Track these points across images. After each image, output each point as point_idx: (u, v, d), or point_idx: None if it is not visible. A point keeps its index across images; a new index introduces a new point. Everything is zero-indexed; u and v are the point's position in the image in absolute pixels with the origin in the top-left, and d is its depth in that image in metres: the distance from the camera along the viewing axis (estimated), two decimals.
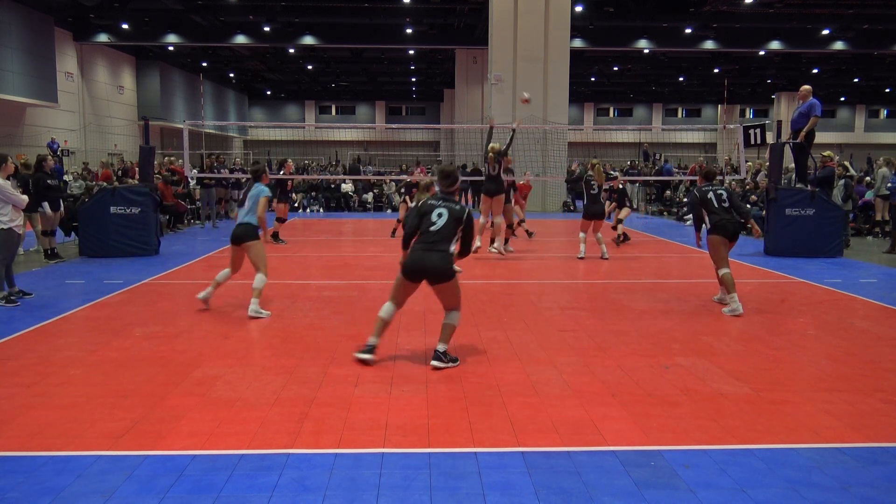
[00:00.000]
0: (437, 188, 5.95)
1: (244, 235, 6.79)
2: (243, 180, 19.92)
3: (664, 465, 3.53)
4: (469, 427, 4.00)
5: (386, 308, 5.33)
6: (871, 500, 3.20)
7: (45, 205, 10.49)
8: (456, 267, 5.46)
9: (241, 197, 6.88)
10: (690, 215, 7.02)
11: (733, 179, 16.98)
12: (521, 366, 5.20)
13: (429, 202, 5.37)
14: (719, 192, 7.28)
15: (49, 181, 10.64)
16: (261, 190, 6.87)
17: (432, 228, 5.20)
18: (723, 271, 7.12)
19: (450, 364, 5.19)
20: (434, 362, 5.17)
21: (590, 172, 11.23)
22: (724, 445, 3.77)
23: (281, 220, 13.30)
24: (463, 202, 7.98)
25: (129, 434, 3.87)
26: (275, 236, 12.86)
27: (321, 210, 21.48)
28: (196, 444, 3.73)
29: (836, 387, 4.77)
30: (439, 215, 5.23)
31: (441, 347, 5.23)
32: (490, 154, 10.91)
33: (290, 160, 15.44)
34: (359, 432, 3.92)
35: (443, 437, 3.85)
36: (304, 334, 6.12)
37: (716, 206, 7.19)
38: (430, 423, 4.06)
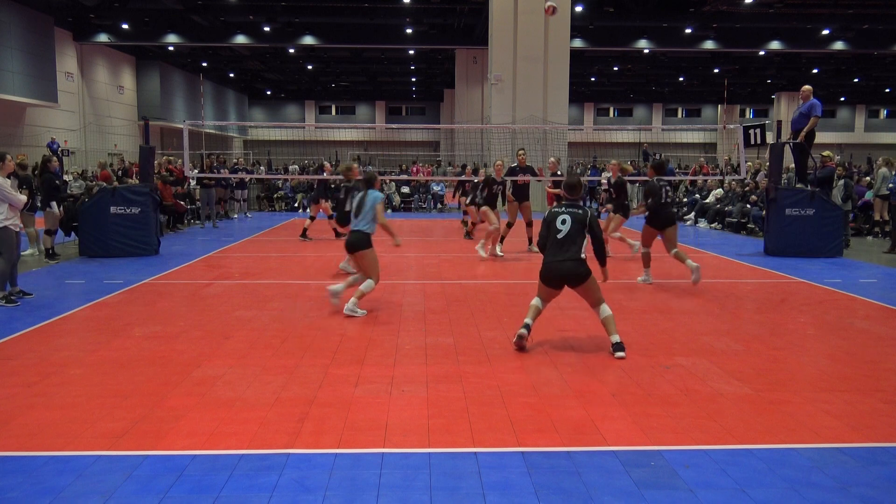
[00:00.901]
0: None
1: (358, 243, 6.87)
2: (248, 179, 20.10)
3: (664, 465, 3.53)
4: (469, 427, 4.00)
5: (536, 300, 5.72)
6: (871, 500, 3.20)
7: (54, 204, 10.67)
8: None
9: (352, 205, 7.00)
10: (648, 200, 8.65)
11: (733, 179, 16.98)
12: (521, 366, 5.20)
13: (553, 210, 5.69)
14: (667, 187, 8.62)
15: (56, 181, 10.81)
16: (376, 195, 6.90)
17: (559, 236, 5.53)
18: (644, 250, 8.74)
19: (624, 352, 5.44)
20: (618, 353, 5.41)
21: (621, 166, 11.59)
22: (724, 445, 3.77)
23: (330, 217, 13.94)
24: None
25: (129, 434, 3.87)
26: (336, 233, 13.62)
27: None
28: (196, 444, 3.73)
29: (836, 387, 4.77)
30: (563, 222, 5.54)
31: (616, 339, 5.50)
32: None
33: (326, 162, 15.78)
34: (359, 432, 3.91)
35: (443, 437, 3.85)
36: (304, 334, 6.12)
37: (662, 199, 8.42)
38: (430, 423, 4.06)
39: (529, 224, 11.90)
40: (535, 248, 11.26)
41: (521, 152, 12.15)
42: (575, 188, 5.78)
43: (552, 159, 13.68)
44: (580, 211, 5.56)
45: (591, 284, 5.54)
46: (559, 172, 13.71)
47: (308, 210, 14.13)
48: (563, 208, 5.62)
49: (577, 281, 5.51)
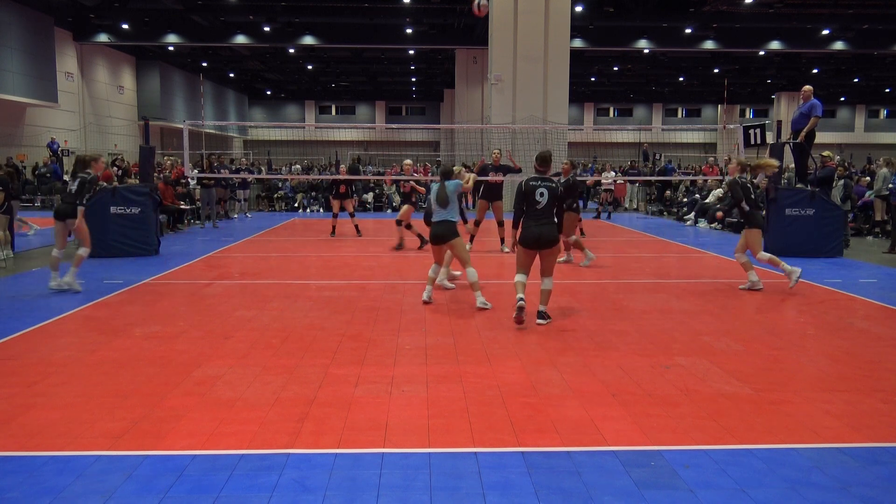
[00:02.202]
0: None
1: (449, 233, 7.30)
2: (250, 179, 20.14)
3: (664, 465, 3.53)
4: (469, 427, 4.00)
5: (519, 277, 6.49)
6: (871, 500, 3.20)
7: None
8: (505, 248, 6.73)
9: (431, 199, 7.51)
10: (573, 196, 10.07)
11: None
12: (521, 366, 5.20)
13: (529, 183, 6.40)
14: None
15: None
16: (456, 182, 7.50)
17: (538, 207, 6.34)
18: (573, 238, 9.97)
19: (548, 320, 6.46)
20: (539, 321, 6.44)
21: (743, 175, 8.40)
22: (724, 445, 3.77)
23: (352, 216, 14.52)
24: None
25: (129, 434, 3.87)
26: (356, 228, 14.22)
27: (321, 210, 21.49)
28: (196, 444, 3.73)
29: (836, 387, 4.77)
30: (541, 194, 6.34)
31: (543, 308, 6.51)
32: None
33: (343, 166, 15.99)
34: (359, 432, 3.91)
35: (443, 437, 3.85)
36: (304, 334, 6.12)
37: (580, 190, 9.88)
38: (430, 423, 4.06)
39: (500, 224, 11.86)
40: (507, 249, 11.31)
41: (496, 151, 12.25)
42: (546, 161, 6.57)
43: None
44: (553, 184, 6.39)
45: (555, 253, 6.50)
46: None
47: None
48: (539, 182, 6.39)
49: (550, 244, 6.35)
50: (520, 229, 6.51)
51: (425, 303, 7.43)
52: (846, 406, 4.38)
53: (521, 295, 6.36)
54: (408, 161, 13.31)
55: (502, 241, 11.82)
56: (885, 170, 13.85)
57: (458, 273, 10.09)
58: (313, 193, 22.09)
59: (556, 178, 6.72)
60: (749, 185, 8.28)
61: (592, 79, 41.05)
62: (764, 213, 12.20)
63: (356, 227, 14.23)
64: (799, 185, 11.80)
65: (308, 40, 27.98)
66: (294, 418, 4.11)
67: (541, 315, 6.49)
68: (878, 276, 9.53)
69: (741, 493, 3.24)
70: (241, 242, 13.10)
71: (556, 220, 6.38)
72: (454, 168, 10.70)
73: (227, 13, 26.83)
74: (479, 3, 14.14)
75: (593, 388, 4.71)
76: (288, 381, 4.79)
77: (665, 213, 21.00)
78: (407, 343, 5.84)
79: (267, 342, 5.85)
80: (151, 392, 4.56)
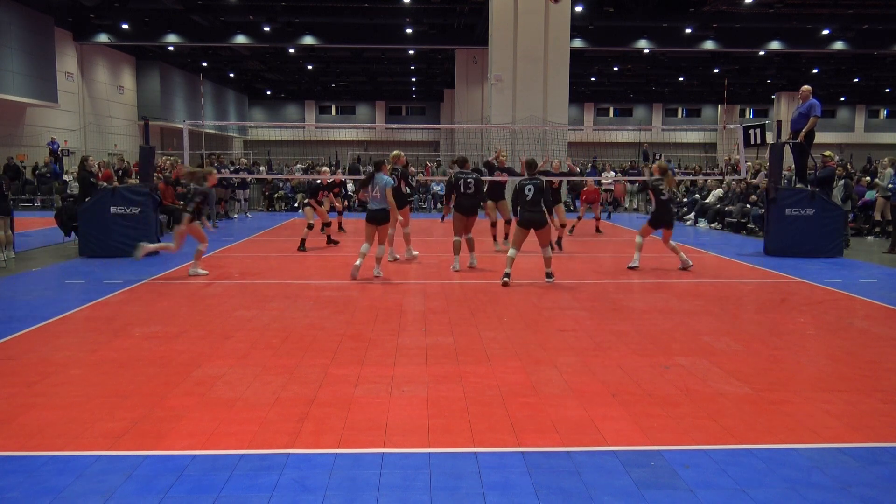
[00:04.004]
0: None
1: (385, 218, 8.75)
2: (249, 179, 20.14)
3: (664, 465, 3.53)
4: (469, 427, 4.00)
5: (511, 251, 8.52)
6: (871, 500, 3.20)
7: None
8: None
9: (371, 189, 8.71)
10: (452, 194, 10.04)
11: (733, 179, 16.98)
12: (521, 366, 5.20)
13: (520, 182, 8.53)
14: (467, 180, 9.75)
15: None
16: (387, 180, 8.76)
17: (527, 199, 8.35)
18: (455, 238, 9.97)
19: (553, 279, 8.59)
20: (547, 280, 8.57)
21: (657, 177, 9.88)
22: (724, 445, 3.77)
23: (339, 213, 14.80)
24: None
25: (129, 434, 3.87)
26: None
27: None
28: (196, 444, 3.73)
29: (836, 387, 4.77)
30: (529, 190, 8.36)
31: (548, 270, 8.63)
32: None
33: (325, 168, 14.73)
34: (359, 432, 3.91)
35: (443, 437, 3.85)
36: (304, 334, 6.12)
37: (461, 189, 9.76)
38: (430, 423, 4.06)
39: (508, 222, 11.81)
40: (500, 247, 11.41)
41: (502, 152, 12.67)
42: (532, 166, 8.71)
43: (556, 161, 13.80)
44: (538, 181, 8.41)
45: (547, 230, 8.49)
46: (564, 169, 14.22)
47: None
48: (527, 181, 8.44)
49: (541, 225, 8.36)
50: (517, 216, 8.49)
51: (354, 278, 8.65)
52: (846, 406, 4.38)
53: (508, 270, 8.41)
54: (326, 168, 14.31)
55: (506, 237, 11.70)
56: (889, 170, 13.87)
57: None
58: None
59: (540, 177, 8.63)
60: (661, 187, 9.61)
61: (592, 79, 41.04)
62: (764, 213, 12.20)
63: (328, 236, 12.58)
64: (799, 186, 11.80)
65: (308, 40, 27.97)
66: (294, 418, 4.11)
67: (548, 275, 8.58)
68: (878, 276, 9.53)
69: (741, 493, 3.24)
70: (241, 242, 13.10)
71: (542, 207, 8.32)
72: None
73: (227, 13, 26.81)
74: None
75: (593, 388, 4.71)
76: (288, 381, 4.79)
77: None
78: (407, 343, 5.83)
79: (267, 342, 5.85)
80: (151, 392, 4.56)
